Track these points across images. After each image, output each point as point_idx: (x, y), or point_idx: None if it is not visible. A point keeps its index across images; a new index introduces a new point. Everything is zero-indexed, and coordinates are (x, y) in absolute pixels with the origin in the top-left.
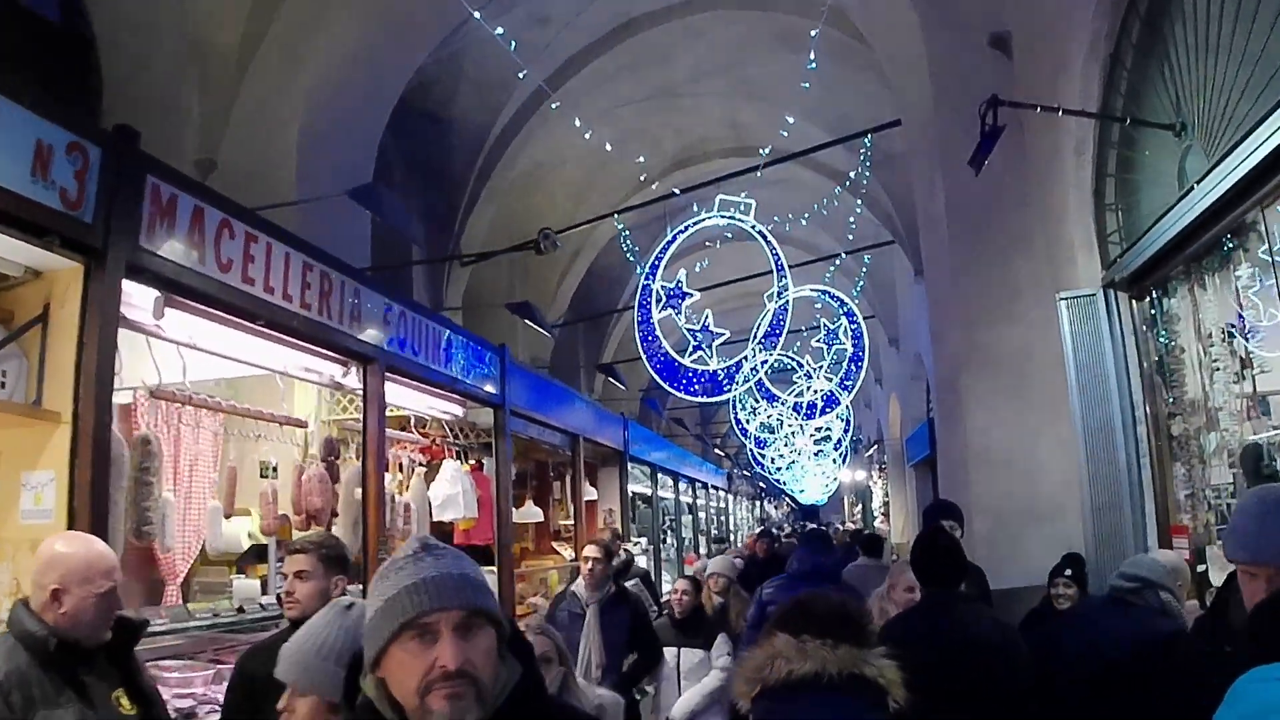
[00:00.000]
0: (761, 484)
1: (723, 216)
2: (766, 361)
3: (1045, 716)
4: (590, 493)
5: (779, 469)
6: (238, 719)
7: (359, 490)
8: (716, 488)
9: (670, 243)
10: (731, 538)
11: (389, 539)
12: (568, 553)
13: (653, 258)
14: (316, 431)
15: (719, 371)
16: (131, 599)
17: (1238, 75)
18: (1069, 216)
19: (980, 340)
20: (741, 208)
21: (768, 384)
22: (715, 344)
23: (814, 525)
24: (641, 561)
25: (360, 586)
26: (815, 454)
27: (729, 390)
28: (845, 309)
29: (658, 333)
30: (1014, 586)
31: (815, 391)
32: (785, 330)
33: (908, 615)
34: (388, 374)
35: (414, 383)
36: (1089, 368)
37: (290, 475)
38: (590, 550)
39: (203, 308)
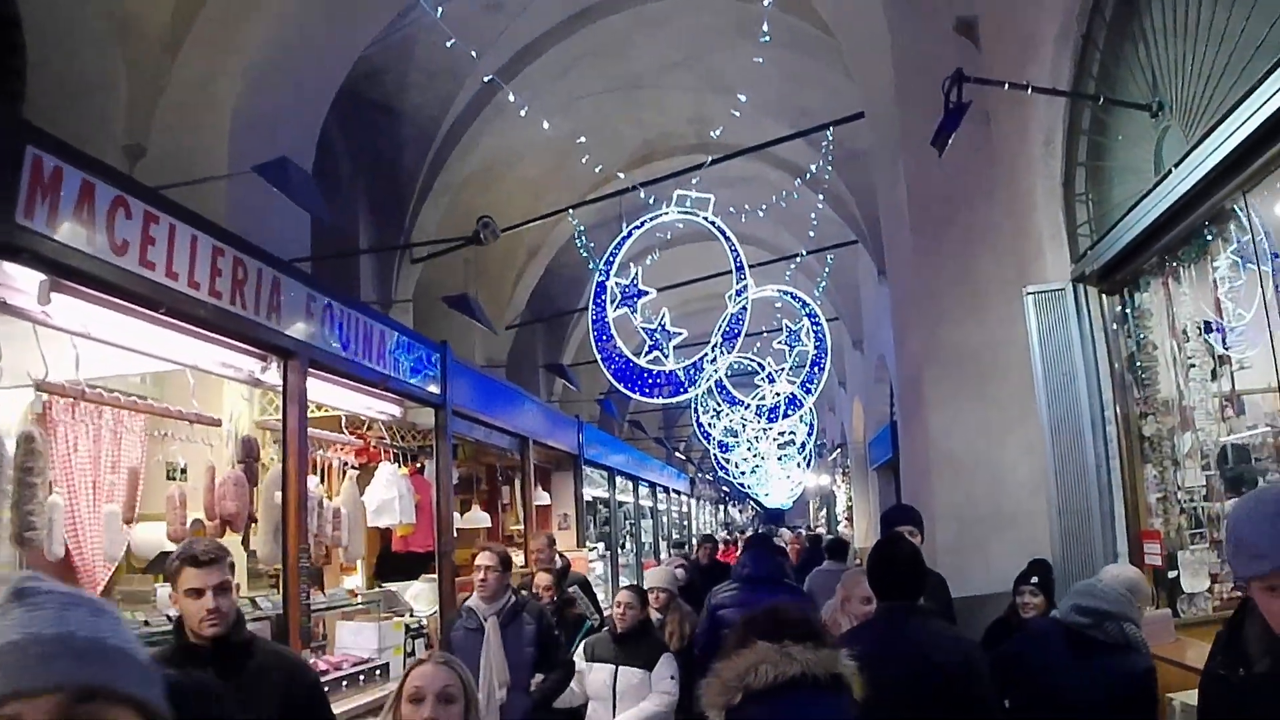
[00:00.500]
0: (725, 488)
1: (681, 211)
2: (727, 357)
3: None
4: (543, 497)
5: (743, 473)
6: None
7: (279, 494)
8: (679, 492)
9: (626, 238)
10: (694, 543)
11: (321, 546)
12: (518, 559)
13: (608, 254)
14: (234, 431)
15: (678, 372)
16: None
17: (1219, 50)
18: (1037, 208)
19: (944, 337)
20: (699, 202)
21: (730, 387)
22: (672, 343)
23: (762, 530)
24: (599, 568)
25: (270, 597)
26: (779, 458)
27: (688, 391)
28: (808, 310)
29: (613, 331)
30: (978, 594)
31: (777, 394)
32: (745, 328)
33: (860, 631)
34: (313, 370)
35: (343, 380)
36: (1057, 365)
37: (204, 479)
38: (483, 558)
39: (95, 293)
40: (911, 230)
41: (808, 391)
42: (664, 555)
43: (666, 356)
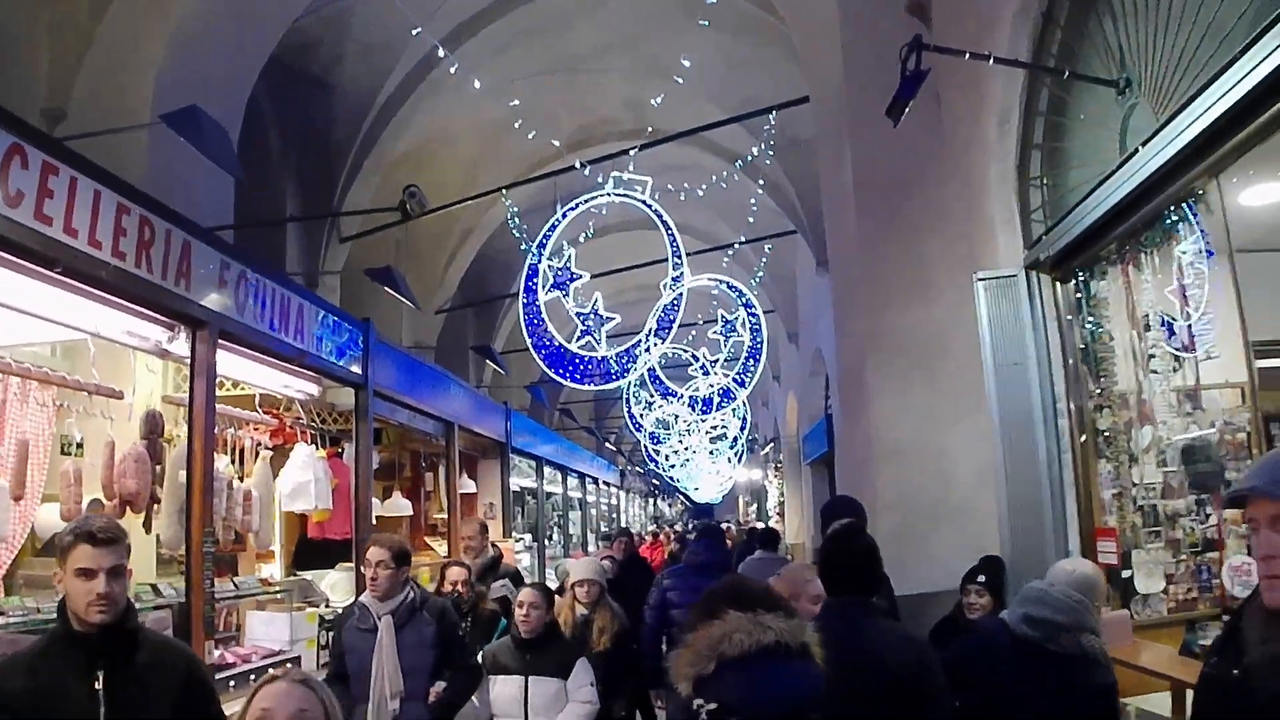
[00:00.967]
0: (655, 481)
1: (616, 195)
2: (661, 345)
3: None
4: (468, 485)
5: (673, 465)
6: None
7: (184, 473)
8: (608, 484)
9: (562, 218)
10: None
11: (231, 531)
12: (442, 548)
13: (542, 235)
14: (137, 406)
15: (610, 359)
16: None
17: (1194, 23)
18: (989, 191)
19: (889, 324)
20: (633, 185)
21: (663, 378)
22: (605, 329)
23: (709, 521)
24: (524, 559)
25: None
26: (710, 452)
27: (620, 379)
28: (744, 300)
29: (545, 315)
30: (921, 591)
31: (711, 386)
32: (680, 316)
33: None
34: (224, 342)
35: (258, 354)
36: (1007, 355)
37: (103, 454)
38: (374, 553)
39: None
40: (858, 213)
41: (741, 384)
42: (592, 548)
43: (599, 343)
